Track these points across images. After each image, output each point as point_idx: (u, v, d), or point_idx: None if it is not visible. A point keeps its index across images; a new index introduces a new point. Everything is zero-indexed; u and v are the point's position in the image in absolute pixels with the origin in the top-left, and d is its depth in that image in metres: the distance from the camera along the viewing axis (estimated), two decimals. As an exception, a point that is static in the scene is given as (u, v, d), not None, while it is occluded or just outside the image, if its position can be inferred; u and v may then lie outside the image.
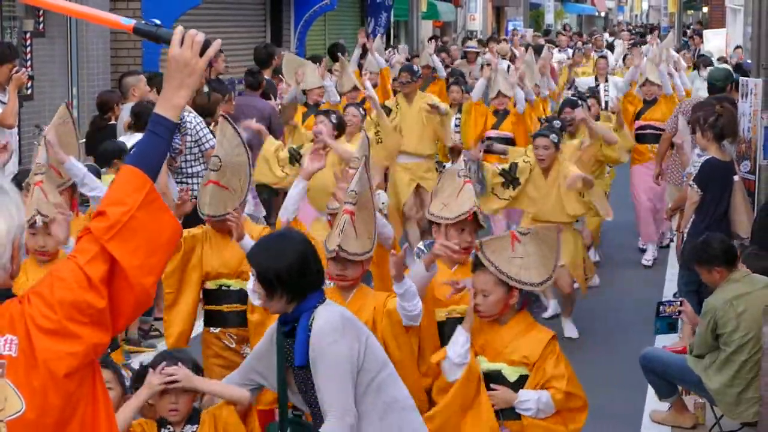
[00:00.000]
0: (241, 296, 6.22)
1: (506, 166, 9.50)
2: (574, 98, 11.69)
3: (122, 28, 3.07)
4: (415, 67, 12.73)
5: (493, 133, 12.16)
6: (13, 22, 11.77)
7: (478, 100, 12.52)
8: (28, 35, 11.97)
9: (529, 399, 5.09)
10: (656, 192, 12.26)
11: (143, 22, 3.06)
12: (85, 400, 2.90)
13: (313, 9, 18.51)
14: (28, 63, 11.84)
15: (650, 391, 7.89)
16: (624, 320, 10.02)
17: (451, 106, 12.91)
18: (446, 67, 17.84)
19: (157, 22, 3.06)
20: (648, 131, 12.53)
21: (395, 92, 12.92)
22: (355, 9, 23.09)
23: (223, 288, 6.32)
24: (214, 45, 2.98)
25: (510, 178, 9.43)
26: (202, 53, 2.97)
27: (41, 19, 12.30)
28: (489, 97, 12.52)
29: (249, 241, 5.80)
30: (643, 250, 12.49)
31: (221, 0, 16.53)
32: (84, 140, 11.09)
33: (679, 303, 7.45)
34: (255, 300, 5.36)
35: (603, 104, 14.84)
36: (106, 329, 2.89)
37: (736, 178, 8.74)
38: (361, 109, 10.96)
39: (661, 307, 7.44)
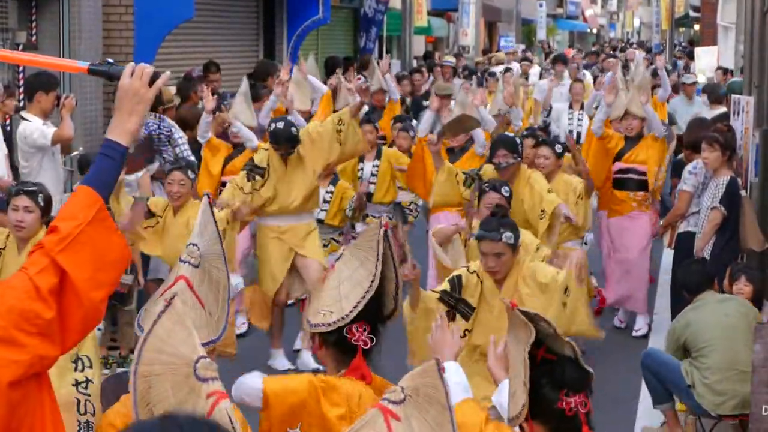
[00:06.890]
0: None
1: (445, 286, 6.03)
2: (511, 137, 8.96)
3: (78, 71, 3.31)
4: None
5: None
6: (5, 34, 11.77)
7: (425, 135, 9.73)
8: (20, 47, 11.95)
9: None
10: (642, 243, 10.09)
11: (97, 62, 3.29)
12: (31, 416, 2.95)
13: (305, 23, 18.50)
14: (21, 74, 11.83)
15: (641, 408, 7.90)
16: (617, 337, 10.02)
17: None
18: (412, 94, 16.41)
19: (111, 61, 3.29)
20: (630, 176, 10.02)
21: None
22: (348, 24, 23.12)
23: None
24: (162, 76, 3.17)
25: (453, 302, 5.97)
26: (151, 84, 3.15)
27: (34, 31, 12.31)
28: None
29: None
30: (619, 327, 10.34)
31: (214, 14, 16.53)
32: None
33: None
34: None
35: (575, 135, 13.03)
36: (54, 342, 2.95)
37: (743, 192, 8.79)
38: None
39: None
